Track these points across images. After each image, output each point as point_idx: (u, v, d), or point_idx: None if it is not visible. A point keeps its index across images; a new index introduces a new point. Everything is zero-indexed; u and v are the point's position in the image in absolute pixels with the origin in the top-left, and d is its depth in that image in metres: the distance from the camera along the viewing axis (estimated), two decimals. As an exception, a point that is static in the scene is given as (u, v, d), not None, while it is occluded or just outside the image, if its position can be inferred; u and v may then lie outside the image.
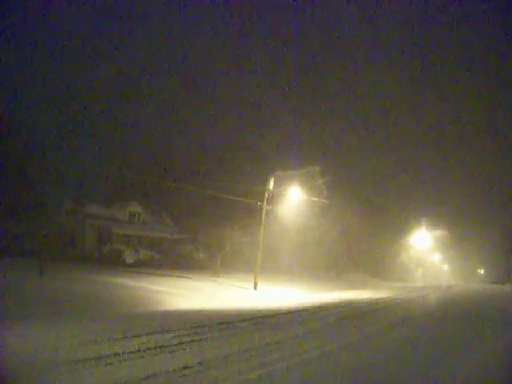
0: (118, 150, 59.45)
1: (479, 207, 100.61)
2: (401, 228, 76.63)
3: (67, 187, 47.65)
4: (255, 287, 32.98)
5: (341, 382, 9.73)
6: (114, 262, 39.64)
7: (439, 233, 79.61)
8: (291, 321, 18.42)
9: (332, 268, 61.72)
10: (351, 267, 66.74)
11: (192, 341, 12.57)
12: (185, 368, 9.76)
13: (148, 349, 11.22)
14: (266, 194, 34.17)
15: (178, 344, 12.02)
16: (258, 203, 34.44)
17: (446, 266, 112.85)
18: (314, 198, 40.84)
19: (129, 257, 41.64)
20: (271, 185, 34.39)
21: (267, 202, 34.47)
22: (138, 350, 11.01)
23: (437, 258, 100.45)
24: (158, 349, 11.33)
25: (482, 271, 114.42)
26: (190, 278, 35.19)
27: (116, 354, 10.49)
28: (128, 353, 10.71)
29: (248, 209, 37.39)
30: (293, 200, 38.60)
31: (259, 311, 20.55)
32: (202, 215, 42.75)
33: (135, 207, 49.86)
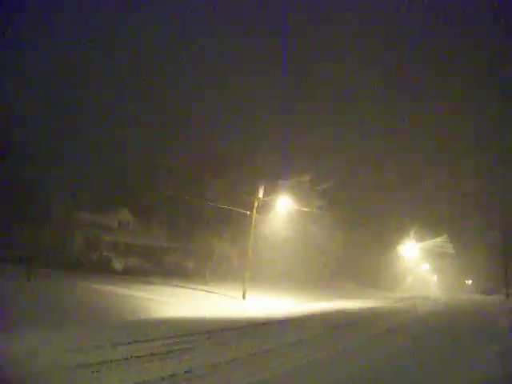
0: (109, 158, 59.25)
1: (467, 218, 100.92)
2: (391, 239, 76.86)
3: (57, 194, 47.50)
4: (244, 296, 32.91)
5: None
6: (103, 270, 39.43)
7: (428, 243, 79.91)
8: (280, 330, 18.45)
9: (321, 278, 61.77)
10: (341, 277, 66.84)
11: (180, 349, 12.57)
12: (173, 376, 9.78)
13: (136, 357, 11.21)
14: (256, 203, 34.16)
15: (167, 352, 12.02)
16: (248, 212, 34.47)
17: (434, 277, 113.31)
18: (304, 208, 40.90)
19: (118, 264, 41.47)
20: (261, 193, 34.38)
21: (257, 211, 34.48)
22: (126, 358, 10.99)
23: (425, 268, 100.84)
24: (147, 357, 11.32)
25: (470, 282, 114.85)
26: (178, 286, 35.11)
27: (104, 362, 10.47)
28: (116, 360, 10.70)
29: (238, 218, 37.40)
30: (283, 209, 38.65)
31: (247, 320, 20.56)
32: (191, 224, 42.72)
33: (125, 215, 49.72)
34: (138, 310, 20.97)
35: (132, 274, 40.12)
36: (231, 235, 41.18)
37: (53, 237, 42.73)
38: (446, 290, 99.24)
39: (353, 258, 69.46)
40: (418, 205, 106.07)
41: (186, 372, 10.14)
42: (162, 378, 9.57)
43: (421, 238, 78.59)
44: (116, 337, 13.66)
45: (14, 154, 36.36)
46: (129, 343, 12.74)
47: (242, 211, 35.24)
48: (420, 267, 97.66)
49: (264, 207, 36.81)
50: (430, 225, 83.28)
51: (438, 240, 79.94)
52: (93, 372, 9.71)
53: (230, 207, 35.88)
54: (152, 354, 11.60)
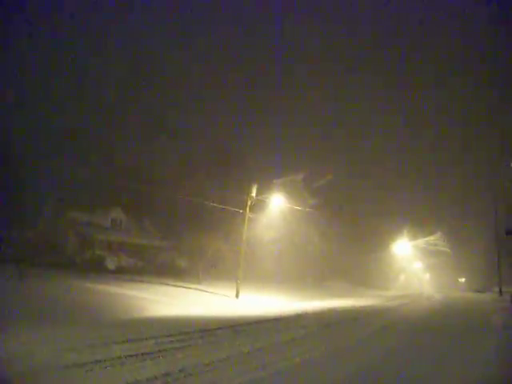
0: (102, 156, 59.06)
1: (461, 216, 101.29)
2: (383, 237, 76.96)
3: (49, 193, 47.37)
4: (237, 295, 32.92)
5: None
6: (96, 269, 39.33)
7: (421, 242, 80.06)
8: (273, 329, 18.45)
9: (314, 276, 61.89)
10: (334, 275, 66.95)
11: (173, 348, 12.56)
12: (166, 375, 9.77)
13: (129, 356, 11.20)
14: (249, 202, 34.14)
15: (160, 351, 12.01)
16: (241, 211, 34.45)
17: (427, 275, 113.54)
18: (297, 207, 40.93)
19: (111, 263, 41.41)
20: (254, 192, 34.37)
21: (250, 210, 34.47)
22: (119, 357, 10.98)
23: (418, 266, 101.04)
24: (140, 356, 11.31)
25: (463, 280, 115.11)
26: (171, 285, 35.10)
27: (97, 361, 10.45)
28: (109, 360, 10.68)
29: (231, 216, 37.36)
30: (276, 208, 38.67)
31: (240, 319, 20.57)
32: (184, 222, 42.61)
33: (118, 214, 49.66)
34: (131, 309, 20.94)
35: (125, 273, 40.05)
36: (224, 234, 41.09)
37: (45, 236, 42.64)
38: (439, 288, 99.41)
39: (346, 256, 69.57)
40: (411, 203, 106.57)
41: (179, 371, 10.14)
42: (155, 377, 9.57)
43: (414, 237, 78.75)
44: (109, 336, 13.64)
45: (4, 155, 36.20)
46: (122, 342, 12.72)
47: (235, 210, 35.22)
48: (413, 265, 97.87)
49: (257, 206, 36.80)
50: (423, 223, 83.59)
51: (431, 238, 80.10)
52: (86, 371, 9.70)
53: (223, 206, 35.83)
54: (145, 353, 11.59)
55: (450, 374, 11.57)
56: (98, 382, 9.14)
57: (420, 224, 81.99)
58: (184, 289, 34.04)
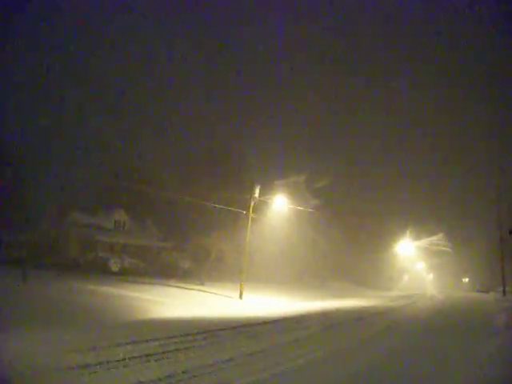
0: (104, 158, 59.19)
1: (464, 216, 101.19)
2: (386, 237, 76.86)
3: (52, 195, 47.44)
4: (240, 296, 32.90)
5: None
6: (99, 270, 39.36)
7: (424, 242, 79.95)
8: (276, 330, 18.45)
9: (317, 277, 61.80)
10: (336, 276, 66.86)
11: (177, 349, 12.58)
12: (170, 377, 9.80)
13: (133, 357, 11.21)
14: (252, 203, 34.11)
15: (163, 353, 12.03)
16: (244, 211, 34.44)
17: (430, 276, 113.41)
18: (299, 207, 40.91)
19: (114, 265, 41.41)
20: (257, 193, 34.33)
21: (253, 211, 34.45)
22: (123, 359, 10.99)
23: (421, 266, 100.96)
24: (143, 357, 11.33)
25: (467, 280, 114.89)
26: (175, 286, 35.07)
27: (101, 363, 10.47)
28: (113, 361, 10.70)
29: (234, 217, 37.39)
30: (278, 209, 38.62)
31: (244, 320, 20.56)
32: (187, 223, 42.68)
33: (120, 215, 49.69)
34: (134, 311, 20.95)
35: (128, 275, 40.05)
36: (227, 235, 41.09)
37: (48, 238, 42.71)
38: (442, 288, 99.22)
39: (348, 256, 69.52)
40: (413, 203, 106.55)
41: (182, 372, 10.16)
42: (159, 379, 9.59)
43: (417, 237, 78.61)
44: (113, 337, 13.65)
45: (7, 157, 36.28)
46: (125, 344, 12.73)
47: (238, 211, 35.22)
48: (416, 266, 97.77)
49: (260, 207, 36.80)
50: (425, 223, 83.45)
51: (434, 238, 79.99)
52: (89, 373, 9.72)
53: (226, 207, 35.82)
54: (149, 355, 11.60)
55: (453, 375, 11.56)
56: (101, 383, 9.16)
57: (422, 224, 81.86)
58: (187, 290, 34.02)
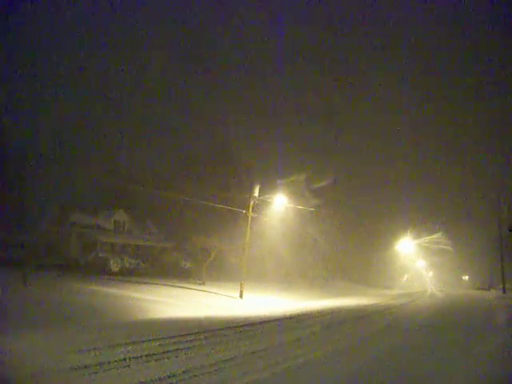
0: (104, 159, 59.22)
1: (464, 214, 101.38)
2: (387, 236, 76.96)
3: (52, 196, 47.45)
4: (241, 295, 32.92)
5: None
6: (100, 271, 39.36)
7: (424, 240, 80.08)
8: (277, 329, 18.46)
9: (318, 276, 61.85)
10: (337, 275, 66.95)
11: (178, 349, 12.58)
12: (170, 377, 9.79)
13: (133, 357, 11.21)
14: (252, 202, 34.11)
15: (164, 352, 12.03)
16: (244, 211, 34.43)
17: (431, 274, 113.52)
18: (299, 207, 40.92)
19: (114, 265, 41.39)
20: (257, 192, 34.33)
21: (253, 210, 34.45)
22: (124, 359, 11.00)
23: (422, 264, 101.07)
24: (144, 357, 11.33)
25: (467, 277, 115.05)
26: (175, 286, 35.08)
27: (101, 363, 10.47)
28: (113, 362, 10.70)
29: (234, 217, 37.39)
30: (279, 208, 38.61)
31: (245, 319, 20.56)
32: (187, 223, 42.67)
33: (121, 216, 49.67)
34: (135, 311, 20.95)
35: (129, 275, 40.06)
36: (228, 234, 41.05)
37: (48, 239, 42.70)
38: (443, 286, 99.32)
39: (349, 255, 69.59)
40: (414, 202, 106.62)
41: (183, 372, 10.16)
42: (160, 379, 9.59)
43: (417, 235, 78.77)
44: (113, 337, 13.66)
45: (7, 158, 36.29)
46: (126, 344, 12.73)
47: (238, 210, 35.21)
48: (416, 264, 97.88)
49: (260, 206, 36.81)
50: (425, 222, 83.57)
51: (435, 237, 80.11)
52: (90, 373, 9.72)
53: (227, 206, 35.81)
54: (149, 355, 11.61)
55: (454, 374, 11.56)
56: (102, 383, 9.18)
57: (423, 223, 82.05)
58: (188, 290, 34.03)
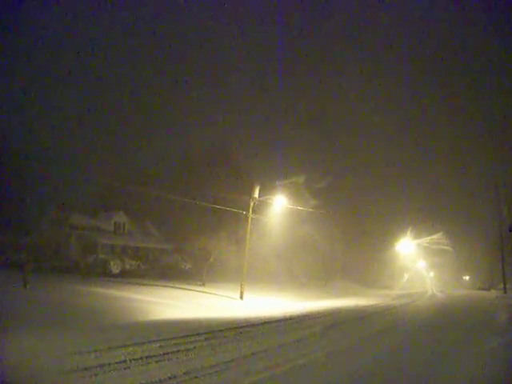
0: (104, 160, 59.24)
1: (464, 214, 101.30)
2: (387, 236, 76.88)
3: (52, 198, 47.42)
4: (241, 296, 32.88)
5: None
6: (100, 273, 39.38)
7: (425, 240, 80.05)
8: (277, 330, 18.44)
9: (319, 276, 61.81)
10: (337, 275, 66.88)
11: (178, 351, 12.55)
12: (171, 378, 9.78)
13: (134, 359, 11.19)
14: (252, 203, 34.06)
15: (164, 354, 12.00)
16: (244, 212, 34.40)
17: (431, 274, 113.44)
18: (299, 207, 40.90)
19: (114, 267, 41.39)
20: (257, 193, 34.28)
21: (253, 211, 34.41)
22: (124, 361, 10.98)
23: (422, 265, 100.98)
24: (144, 359, 11.31)
25: (467, 278, 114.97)
26: (176, 287, 35.04)
27: (101, 365, 10.45)
28: (114, 363, 10.68)
29: (234, 218, 37.29)
30: (279, 209, 38.55)
31: (245, 320, 20.53)
32: (187, 225, 42.54)
33: (120, 217, 49.67)
34: (135, 312, 20.92)
35: (129, 277, 40.07)
36: (228, 236, 40.98)
37: (48, 241, 42.69)
38: (443, 287, 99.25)
39: (349, 256, 69.53)
40: (414, 202, 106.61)
41: (184, 374, 10.14)
42: (160, 381, 9.57)
43: (417, 235, 78.69)
44: (114, 339, 13.62)
45: (7, 159, 36.25)
46: (126, 345, 12.70)
47: (238, 211, 35.16)
48: (417, 264, 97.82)
49: (260, 207, 36.76)
50: (426, 222, 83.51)
51: (435, 237, 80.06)
52: (91, 375, 9.70)
53: (226, 208, 35.74)
54: (150, 356, 11.59)
55: (455, 375, 11.54)
56: (103, 386, 9.16)
57: (423, 223, 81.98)
58: (188, 291, 34.01)
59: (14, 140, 40.96)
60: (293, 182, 43.70)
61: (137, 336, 14.38)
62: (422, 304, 38.57)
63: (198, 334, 15.35)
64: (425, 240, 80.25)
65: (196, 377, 9.98)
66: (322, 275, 62.47)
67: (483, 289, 78.88)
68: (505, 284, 57.58)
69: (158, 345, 13.17)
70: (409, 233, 77.12)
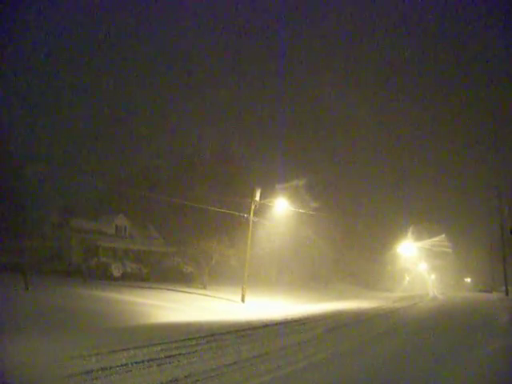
0: (105, 163, 59.28)
1: (465, 216, 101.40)
2: (388, 238, 76.84)
3: (53, 201, 47.43)
4: (243, 299, 32.89)
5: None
6: (101, 276, 39.36)
7: (426, 243, 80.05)
8: (279, 332, 18.45)
9: (320, 279, 61.77)
10: (338, 278, 66.82)
11: (180, 354, 12.55)
12: (172, 381, 9.78)
13: (135, 362, 11.20)
14: (253, 206, 34.10)
15: (166, 357, 12.00)
16: (245, 215, 34.41)
17: (432, 276, 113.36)
18: (300, 210, 40.92)
19: (116, 270, 41.36)
20: (257, 196, 34.31)
21: (254, 214, 34.43)
22: (126, 364, 10.98)
23: (423, 267, 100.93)
24: (146, 362, 11.30)
25: (469, 280, 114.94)
26: (177, 290, 35.05)
27: (103, 369, 10.45)
28: (115, 367, 10.68)
29: (235, 221, 37.30)
30: (279, 212, 38.58)
31: (247, 323, 20.54)
32: (189, 228, 42.52)
33: (122, 220, 49.65)
34: (137, 316, 20.93)
35: (130, 280, 40.07)
36: (229, 238, 40.97)
37: (50, 244, 42.68)
38: (445, 289, 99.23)
39: (350, 259, 69.43)
40: (415, 205, 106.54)
41: (185, 377, 10.14)
42: (162, 384, 9.59)
43: (419, 238, 78.69)
44: (115, 343, 13.64)
45: (8, 162, 36.24)
46: (128, 349, 12.71)
47: (239, 214, 35.18)
48: (418, 266, 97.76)
49: (261, 210, 36.77)
50: (427, 224, 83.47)
51: (436, 239, 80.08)
52: (92, 379, 9.70)
53: (228, 211, 35.77)
54: (151, 360, 11.59)
55: (455, 375, 11.53)
56: (104, 389, 9.16)
57: (424, 225, 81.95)
58: (189, 294, 34.01)
59: (15, 143, 40.96)
60: (294, 185, 43.76)
61: (138, 339, 14.39)
62: (424, 306, 38.53)
63: (199, 337, 15.35)
64: (426, 242, 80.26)
65: (197, 380, 9.98)
66: (323, 278, 62.43)
67: (485, 291, 78.79)
68: (506, 286, 57.49)
69: (160, 348, 13.18)
70: (410, 235, 77.16)
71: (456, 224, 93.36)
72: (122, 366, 10.85)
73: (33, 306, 19.89)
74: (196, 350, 13.22)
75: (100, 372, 10.20)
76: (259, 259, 45.84)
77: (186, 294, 33.70)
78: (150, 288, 34.99)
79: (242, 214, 34.84)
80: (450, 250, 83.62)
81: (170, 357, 12.08)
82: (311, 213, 43.97)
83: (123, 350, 12.59)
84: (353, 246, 68.26)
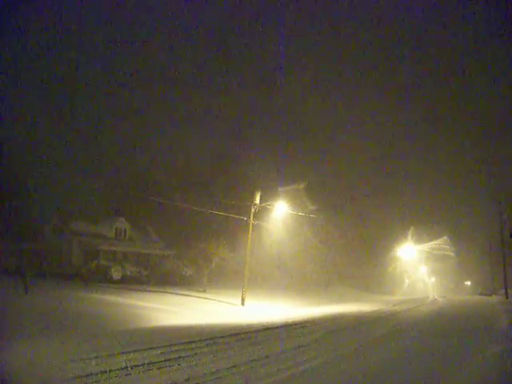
0: (105, 167, 59.29)
1: (465, 220, 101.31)
2: (388, 241, 76.76)
3: (53, 204, 47.43)
4: (243, 302, 32.87)
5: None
6: (101, 279, 39.33)
7: (427, 246, 79.98)
8: (279, 336, 18.42)
9: (320, 282, 61.71)
10: (339, 281, 66.77)
11: (179, 357, 12.54)
12: (172, 385, 9.77)
13: (135, 366, 11.18)
14: (253, 209, 34.10)
15: (166, 360, 12.00)
16: (245, 218, 34.42)
17: (432, 279, 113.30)
18: (300, 213, 40.91)
19: (116, 273, 41.33)
20: (258, 199, 34.31)
21: (254, 217, 34.43)
22: (125, 367, 10.96)
23: (423, 270, 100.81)
24: (146, 365, 11.30)
25: (469, 283, 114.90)
26: (177, 293, 35.03)
27: (103, 372, 10.44)
28: (115, 370, 10.67)
29: (235, 224, 37.36)
30: (279, 215, 38.57)
31: (247, 326, 20.51)
32: (188, 231, 42.61)
33: (122, 224, 49.61)
34: (136, 319, 20.90)
35: (130, 283, 40.04)
36: (229, 241, 41.02)
37: (49, 247, 42.68)
38: (445, 292, 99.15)
39: (350, 261, 69.41)
40: (415, 207, 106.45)
41: (185, 380, 10.13)
42: (162, 387, 9.58)
43: (419, 241, 78.59)
44: (115, 346, 13.62)
45: (8, 166, 36.27)
46: (128, 352, 12.69)
47: (239, 217, 35.20)
48: (418, 270, 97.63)
49: (261, 213, 36.78)
50: (427, 227, 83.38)
51: (436, 242, 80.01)
52: (92, 382, 9.70)
53: (228, 214, 35.79)
54: (151, 363, 11.58)
55: (456, 377, 11.53)
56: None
57: (424, 228, 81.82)
58: (189, 297, 33.99)
59: (15, 146, 41.02)
60: (293, 188, 43.77)
61: (138, 342, 14.37)
62: (424, 310, 38.47)
63: (199, 341, 15.34)
64: (426, 245, 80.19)
65: (197, 383, 9.98)
66: (323, 281, 62.40)
67: (485, 294, 78.72)
68: (506, 289, 57.44)
69: (160, 351, 13.16)
70: (410, 238, 77.07)
71: (456, 227, 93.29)
72: (121, 369, 10.84)
73: (32, 309, 19.84)
74: (196, 353, 13.21)
75: (100, 375, 10.19)
76: (259, 262, 45.83)
77: (186, 297, 33.68)
78: (149, 291, 34.98)
79: (241, 217, 34.86)
80: (449, 253, 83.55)
81: (169, 360, 12.08)
82: (312, 216, 43.96)
83: (123, 353, 12.57)
84: (353, 249, 68.25)
